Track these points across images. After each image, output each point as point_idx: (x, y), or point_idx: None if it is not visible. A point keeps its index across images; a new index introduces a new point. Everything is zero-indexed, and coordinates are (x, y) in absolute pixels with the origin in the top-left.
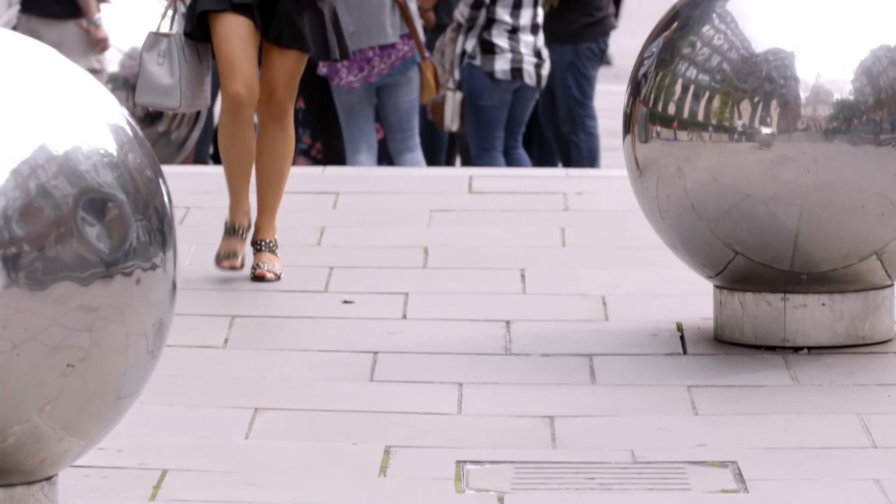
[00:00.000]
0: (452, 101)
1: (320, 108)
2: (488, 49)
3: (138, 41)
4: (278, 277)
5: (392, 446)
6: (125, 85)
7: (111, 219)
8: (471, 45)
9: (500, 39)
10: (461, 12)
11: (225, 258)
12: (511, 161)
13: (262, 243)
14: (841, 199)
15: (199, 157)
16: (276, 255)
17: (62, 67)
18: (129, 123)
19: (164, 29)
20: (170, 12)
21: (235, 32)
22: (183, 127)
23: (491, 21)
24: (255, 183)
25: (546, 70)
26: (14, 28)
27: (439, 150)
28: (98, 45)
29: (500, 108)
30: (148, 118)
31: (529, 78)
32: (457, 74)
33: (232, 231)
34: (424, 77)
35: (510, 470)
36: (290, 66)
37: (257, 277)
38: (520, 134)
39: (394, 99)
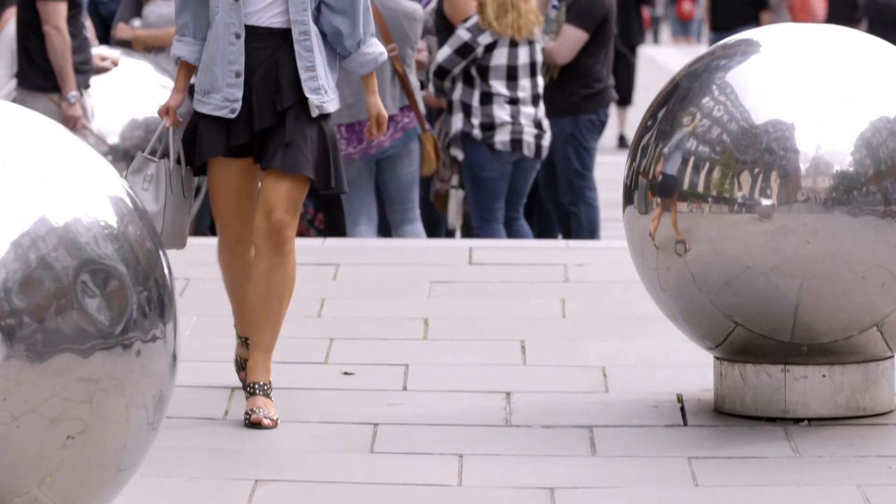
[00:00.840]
0: (455, 200)
1: None
2: (489, 124)
3: (137, 113)
4: (275, 424)
5: None
6: (125, 156)
7: (111, 291)
8: (458, 123)
9: (500, 112)
10: (437, 86)
11: (242, 369)
12: (513, 232)
13: (256, 386)
14: (841, 271)
15: (198, 230)
16: (272, 399)
17: (62, 139)
18: (129, 195)
19: (155, 150)
20: (164, 138)
21: (230, 184)
22: None
23: (489, 95)
24: (250, 315)
25: (546, 141)
26: (14, 100)
27: (439, 221)
28: (69, 122)
29: (501, 179)
30: None
31: (528, 149)
32: (459, 154)
33: (246, 341)
34: (425, 149)
35: None
36: (287, 187)
37: (253, 424)
38: (521, 205)
39: (394, 171)
